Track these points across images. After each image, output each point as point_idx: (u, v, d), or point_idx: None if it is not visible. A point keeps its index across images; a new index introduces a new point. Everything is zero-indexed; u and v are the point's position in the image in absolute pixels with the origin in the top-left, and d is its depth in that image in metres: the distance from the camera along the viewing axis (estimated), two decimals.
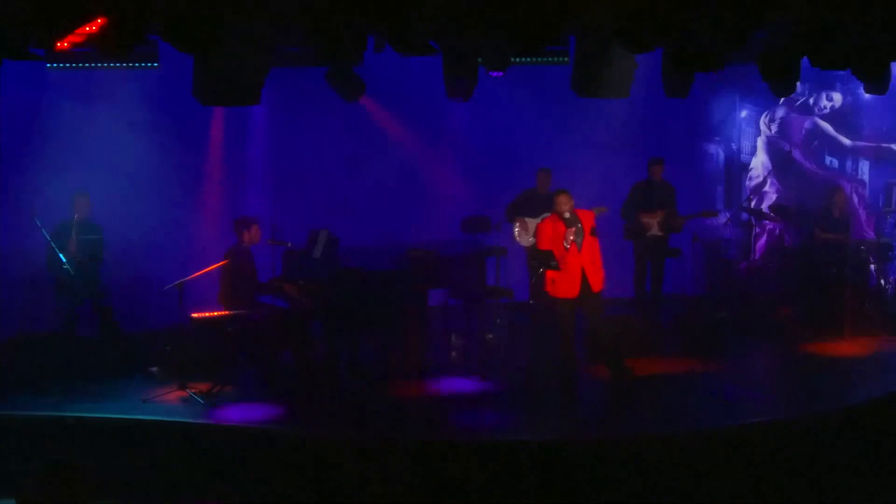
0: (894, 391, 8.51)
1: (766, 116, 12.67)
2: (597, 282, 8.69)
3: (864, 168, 12.38)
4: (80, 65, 9.51)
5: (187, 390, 8.35)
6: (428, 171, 11.87)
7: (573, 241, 8.58)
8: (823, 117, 12.44)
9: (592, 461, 7.32)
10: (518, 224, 10.91)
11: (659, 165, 10.98)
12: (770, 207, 12.28)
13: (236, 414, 8.13)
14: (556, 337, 8.88)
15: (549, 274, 8.70)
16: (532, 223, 10.90)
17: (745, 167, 12.85)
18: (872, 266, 11.02)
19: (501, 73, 9.04)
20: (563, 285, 8.68)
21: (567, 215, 8.65)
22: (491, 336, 9.99)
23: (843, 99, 12.27)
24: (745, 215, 12.41)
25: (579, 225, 8.64)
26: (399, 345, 9.35)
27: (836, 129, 12.41)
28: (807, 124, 12.52)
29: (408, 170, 11.70)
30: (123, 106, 10.51)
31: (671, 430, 7.75)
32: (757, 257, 12.14)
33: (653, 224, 10.84)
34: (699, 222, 12.05)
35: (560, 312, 8.76)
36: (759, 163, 12.78)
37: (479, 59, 8.62)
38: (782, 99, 11.99)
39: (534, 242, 10.75)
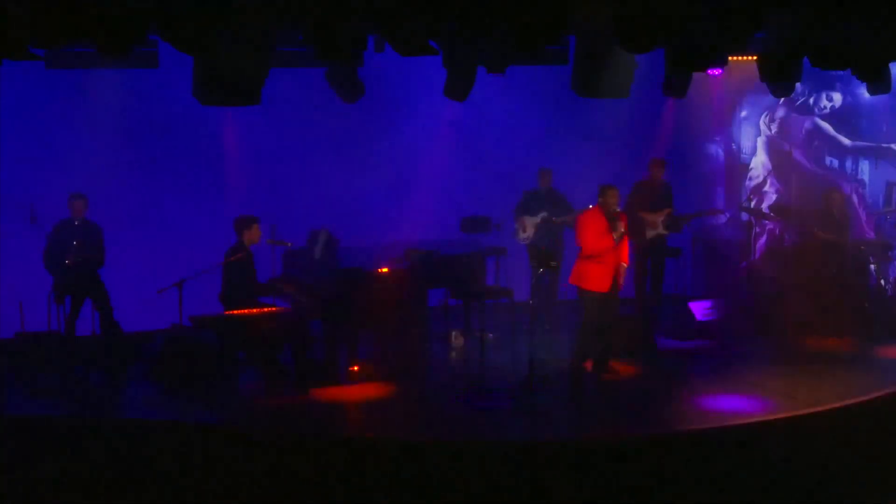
0: (893, 391, 8.52)
1: (766, 116, 12.67)
2: (621, 281, 8.80)
3: (864, 168, 12.37)
4: (81, 65, 9.49)
5: None
6: (428, 171, 11.85)
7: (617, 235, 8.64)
8: (823, 117, 12.44)
9: (591, 461, 7.33)
10: (517, 223, 11.00)
11: (660, 167, 10.97)
12: (770, 207, 12.27)
13: (239, 414, 8.15)
14: (576, 331, 8.94)
15: (585, 267, 8.67)
16: (530, 221, 10.94)
17: (745, 167, 12.85)
18: (872, 266, 11.02)
19: (502, 73, 9.04)
20: (597, 280, 8.68)
21: (615, 209, 8.73)
22: (491, 336, 9.99)
23: (843, 99, 12.27)
24: (745, 215, 12.41)
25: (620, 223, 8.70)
26: (399, 345, 9.35)
27: (836, 129, 12.41)
28: (807, 124, 12.51)
29: (407, 170, 11.69)
30: (123, 106, 10.50)
31: (671, 431, 7.77)
32: (757, 257, 12.14)
33: (657, 223, 10.84)
34: (699, 222, 12.06)
35: (588, 307, 8.77)
36: (759, 163, 12.78)
37: (479, 60, 8.63)
38: (782, 99, 11.98)
39: (528, 239, 10.84)
